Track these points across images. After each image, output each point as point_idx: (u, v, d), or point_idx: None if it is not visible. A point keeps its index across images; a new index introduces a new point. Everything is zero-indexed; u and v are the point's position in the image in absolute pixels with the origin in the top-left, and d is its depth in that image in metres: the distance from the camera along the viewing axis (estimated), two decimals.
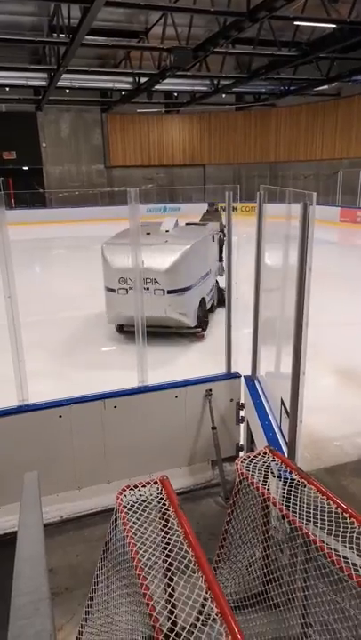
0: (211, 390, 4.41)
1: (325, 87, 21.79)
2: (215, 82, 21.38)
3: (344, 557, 1.92)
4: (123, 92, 22.63)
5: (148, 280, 7.04)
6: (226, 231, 4.65)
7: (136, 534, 2.01)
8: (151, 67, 18.28)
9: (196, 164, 30.24)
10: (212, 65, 18.96)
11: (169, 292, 7.21)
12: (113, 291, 7.27)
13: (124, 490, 2.28)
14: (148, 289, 7.02)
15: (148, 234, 7.87)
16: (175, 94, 25.42)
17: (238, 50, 16.86)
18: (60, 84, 18.66)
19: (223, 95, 23.72)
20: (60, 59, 15.46)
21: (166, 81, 18.78)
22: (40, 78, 19.12)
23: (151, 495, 2.27)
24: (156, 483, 2.31)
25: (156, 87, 20.18)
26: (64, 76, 17.28)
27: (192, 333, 7.99)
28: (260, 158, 29.50)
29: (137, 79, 19.98)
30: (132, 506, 2.20)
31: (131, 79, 20.22)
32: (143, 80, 19.71)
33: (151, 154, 29.53)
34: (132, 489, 2.29)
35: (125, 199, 4.09)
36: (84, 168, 28.61)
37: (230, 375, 4.57)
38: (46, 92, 20.64)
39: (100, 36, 16.16)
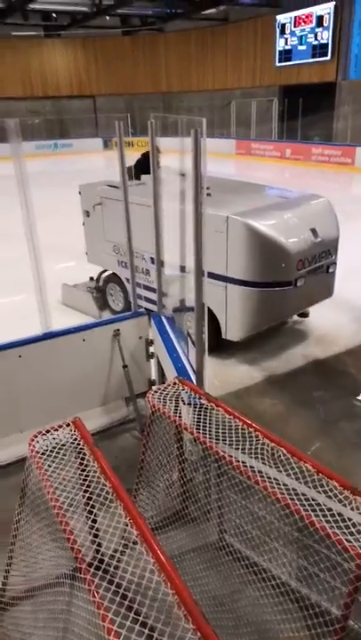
0: (119, 330, 4.40)
1: (213, 10, 21.10)
2: (97, 1, 19.77)
3: (251, 467, 2.09)
4: None
5: (323, 255, 5.14)
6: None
7: (52, 476, 2.02)
8: None
9: (85, 95, 28.34)
10: None
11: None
12: (289, 284, 5.02)
13: (36, 436, 2.25)
14: (321, 267, 5.16)
15: (209, 195, 4.52)
16: (54, 15, 23.20)
17: None
18: None
19: (107, 17, 22.07)
20: None
21: None
22: None
23: (65, 438, 2.27)
24: (68, 425, 2.31)
25: (32, 6, 18.24)
26: None
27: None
28: (151, 88, 28.33)
29: None
30: (46, 451, 2.19)
31: None
32: None
33: (34, 84, 27.12)
34: (44, 434, 2.27)
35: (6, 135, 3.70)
36: None
37: (137, 313, 4.58)
38: None
39: None
